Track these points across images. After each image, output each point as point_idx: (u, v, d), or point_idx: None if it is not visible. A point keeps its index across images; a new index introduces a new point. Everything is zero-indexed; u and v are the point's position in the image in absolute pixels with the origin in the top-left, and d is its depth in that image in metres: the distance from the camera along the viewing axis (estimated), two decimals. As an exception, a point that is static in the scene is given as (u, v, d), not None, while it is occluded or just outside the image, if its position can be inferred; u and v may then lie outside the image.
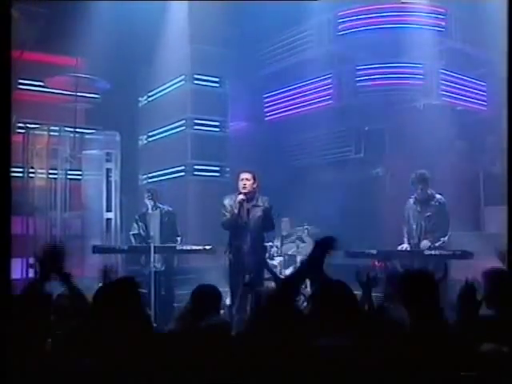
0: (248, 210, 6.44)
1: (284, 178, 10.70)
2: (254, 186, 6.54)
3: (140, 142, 12.46)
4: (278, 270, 8.45)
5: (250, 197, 6.51)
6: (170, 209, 7.79)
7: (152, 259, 6.91)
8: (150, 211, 7.65)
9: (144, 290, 7.90)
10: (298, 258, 8.72)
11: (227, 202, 6.59)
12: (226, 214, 6.54)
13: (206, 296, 3.71)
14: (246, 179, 6.48)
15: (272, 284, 8.01)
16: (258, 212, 6.47)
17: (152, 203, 7.60)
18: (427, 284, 3.11)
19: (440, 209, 6.83)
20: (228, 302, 7.26)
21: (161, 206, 7.70)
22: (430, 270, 3.39)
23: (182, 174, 11.15)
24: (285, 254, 8.73)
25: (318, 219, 9.30)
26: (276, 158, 11.28)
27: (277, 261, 8.52)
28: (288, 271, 8.58)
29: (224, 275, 7.06)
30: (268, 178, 10.39)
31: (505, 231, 4.45)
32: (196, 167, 11.07)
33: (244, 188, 6.46)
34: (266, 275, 7.91)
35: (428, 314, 2.97)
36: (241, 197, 6.43)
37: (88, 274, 8.66)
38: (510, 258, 4.28)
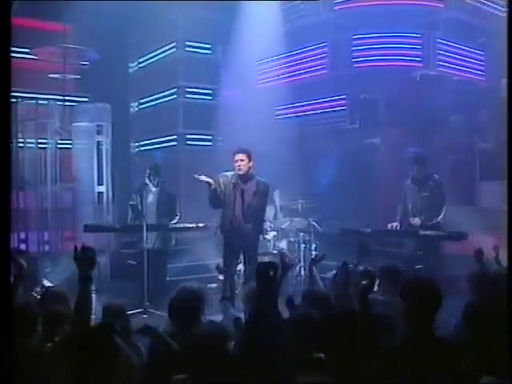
0: (242, 191, 6.36)
1: (276, 148, 10.59)
2: (250, 165, 6.44)
3: (131, 109, 12.28)
4: (271, 244, 8.44)
5: (245, 177, 6.42)
6: (171, 192, 7.67)
7: (145, 238, 6.84)
8: (150, 187, 7.49)
9: (133, 262, 7.96)
10: (291, 232, 8.72)
11: (222, 180, 6.48)
12: (219, 193, 6.45)
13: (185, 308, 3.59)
14: (241, 160, 6.36)
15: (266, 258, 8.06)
16: (252, 193, 6.39)
17: (152, 180, 7.45)
18: (435, 297, 2.99)
19: (437, 189, 6.77)
20: (221, 276, 7.33)
21: (162, 184, 7.56)
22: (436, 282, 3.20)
23: (175, 143, 11.02)
24: (278, 228, 8.67)
25: (311, 192, 9.26)
26: (268, 127, 11.12)
27: (270, 235, 8.46)
28: (282, 244, 8.57)
29: (217, 247, 7.05)
30: (260, 148, 10.35)
31: (504, 207, 4.33)
32: (188, 136, 10.92)
33: (239, 169, 6.37)
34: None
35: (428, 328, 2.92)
36: (235, 178, 6.38)
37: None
38: (509, 238, 4.23)
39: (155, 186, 7.48)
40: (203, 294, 3.84)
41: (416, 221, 6.62)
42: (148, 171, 7.51)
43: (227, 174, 6.50)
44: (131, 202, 7.52)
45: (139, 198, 7.42)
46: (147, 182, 7.46)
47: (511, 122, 4.14)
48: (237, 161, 6.37)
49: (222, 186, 6.42)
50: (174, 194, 7.73)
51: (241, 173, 6.36)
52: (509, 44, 3.66)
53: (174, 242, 7.72)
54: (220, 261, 6.87)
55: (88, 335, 2.53)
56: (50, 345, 3.10)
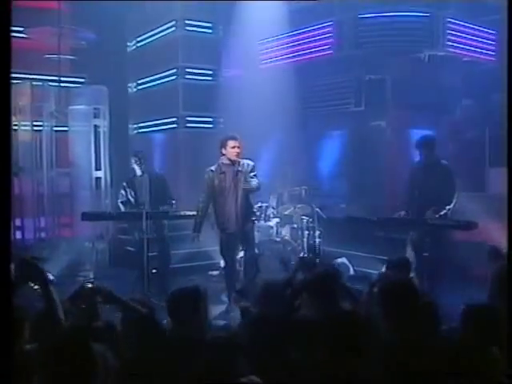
0: (236, 177, 6.51)
1: (279, 131, 10.47)
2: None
3: (129, 90, 12.13)
4: (274, 231, 8.36)
5: (236, 162, 6.59)
6: (160, 173, 7.55)
7: (144, 227, 6.76)
8: (138, 176, 7.36)
9: (132, 249, 7.90)
10: (294, 219, 8.65)
11: (210, 175, 6.63)
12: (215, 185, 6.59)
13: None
14: (238, 147, 6.53)
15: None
16: (243, 176, 6.54)
17: (140, 167, 7.32)
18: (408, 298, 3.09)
19: (446, 176, 6.61)
20: (222, 263, 7.32)
21: (149, 170, 7.45)
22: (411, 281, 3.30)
23: (174, 125, 10.89)
24: (281, 215, 8.59)
25: (315, 177, 9.17)
26: (271, 110, 10.99)
27: (273, 222, 8.39)
28: (285, 231, 8.50)
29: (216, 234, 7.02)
30: (262, 131, 10.23)
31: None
32: (188, 119, 10.79)
33: (237, 155, 6.54)
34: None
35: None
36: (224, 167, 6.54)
37: (78, 234, 8.65)
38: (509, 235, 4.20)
39: (143, 174, 7.38)
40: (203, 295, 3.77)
41: (428, 214, 6.47)
42: (134, 159, 7.36)
43: (212, 168, 6.65)
44: (120, 200, 7.42)
45: (131, 190, 7.33)
46: (137, 171, 7.35)
47: (511, 117, 4.08)
48: (234, 147, 6.51)
49: (210, 181, 6.61)
50: (164, 177, 7.62)
51: (238, 158, 6.53)
52: (509, 43, 3.62)
53: (166, 229, 7.62)
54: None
55: (62, 344, 2.42)
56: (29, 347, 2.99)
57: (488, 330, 3.00)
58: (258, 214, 7.79)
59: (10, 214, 3.07)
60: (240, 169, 6.52)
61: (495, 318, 3.06)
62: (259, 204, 8.15)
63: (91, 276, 8.15)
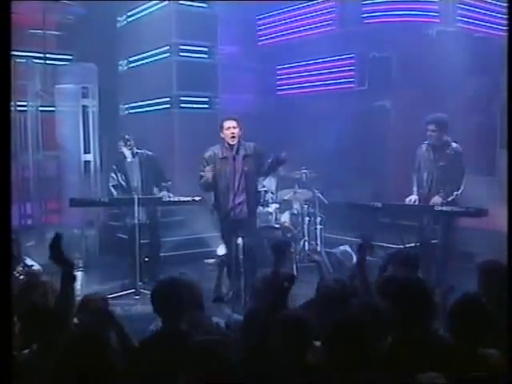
0: (235, 162, 6.24)
1: (278, 111, 10.32)
2: (240, 133, 6.33)
3: (120, 68, 11.89)
4: (273, 217, 8.23)
5: (236, 146, 6.32)
6: (150, 153, 7.36)
7: (136, 213, 6.61)
8: (128, 159, 7.19)
9: (123, 236, 7.77)
10: (294, 204, 8.52)
11: (210, 155, 6.34)
12: (208, 172, 6.27)
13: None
14: (234, 127, 6.25)
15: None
16: (245, 160, 6.29)
17: (130, 150, 7.14)
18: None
19: (455, 158, 6.43)
20: (218, 251, 7.19)
21: (140, 151, 7.26)
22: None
23: (167, 106, 10.68)
24: (281, 200, 8.45)
25: (316, 159, 9.01)
26: (270, 88, 10.83)
27: (272, 207, 8.24)
28: (284, 217, 8.37)
29: (212, 220, 6.90)
30: (261, 111, 10.08)
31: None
32: (182, 99, 10.58)
33: (233, 138, 6.24)
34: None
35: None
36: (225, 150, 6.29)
37: (66, 222, 8.50)
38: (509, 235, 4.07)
39: (133, 157, 7.20)
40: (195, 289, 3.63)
41: (436, 199, 6.32)
42: (122, 143, 7.17)
43: (213, 148, 6.38)
44: (111, 183, 7.23)
45: (122, 174, 7.17)
46: (126, 155, 7.16)
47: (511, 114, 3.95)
48: (229, 128, 6.24)
49: (211, 162, 6.31)
50: (156, 158, 7.45)
51: (234, 142, 6.26)
52: (509, 42, 3.58)
53: (159, 214, 7.49)
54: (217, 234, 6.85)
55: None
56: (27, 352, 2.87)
57: (475, 327, 2.93)
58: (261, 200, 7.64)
59: (10, 213, 2.96)
60: (238, 153, 6.27)
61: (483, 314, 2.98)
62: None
63: (81, 265, 8.04)
